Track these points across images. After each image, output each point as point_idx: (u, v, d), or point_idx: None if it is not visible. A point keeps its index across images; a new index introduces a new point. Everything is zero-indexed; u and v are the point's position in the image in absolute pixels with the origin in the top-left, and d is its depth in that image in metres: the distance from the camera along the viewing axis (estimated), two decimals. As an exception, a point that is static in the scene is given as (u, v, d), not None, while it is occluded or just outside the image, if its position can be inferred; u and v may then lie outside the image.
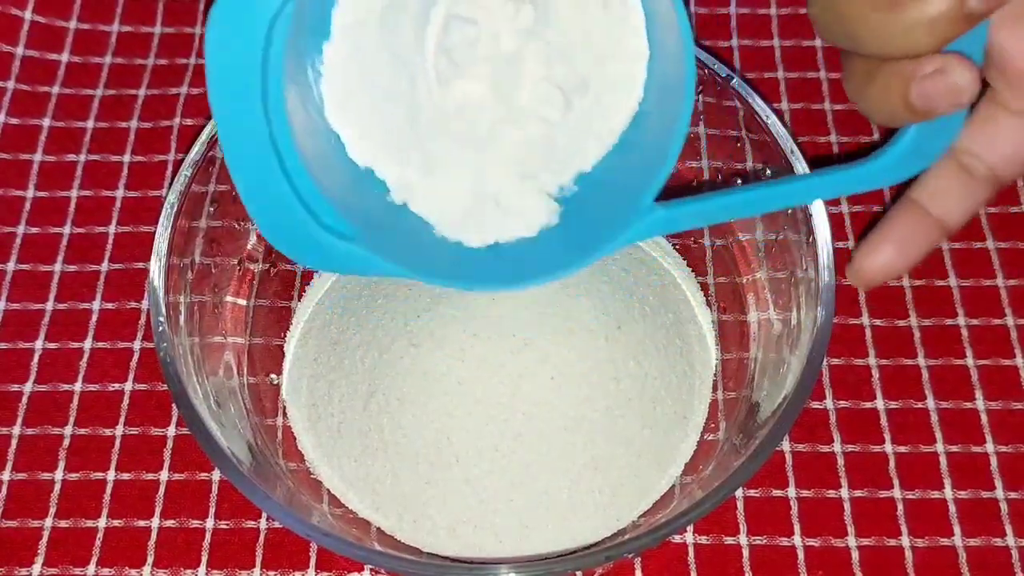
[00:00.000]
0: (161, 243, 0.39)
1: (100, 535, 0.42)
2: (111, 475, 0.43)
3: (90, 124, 0.52)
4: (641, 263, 0.45)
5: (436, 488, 0.40)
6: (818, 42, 0.54)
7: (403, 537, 0.40)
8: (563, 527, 0.39)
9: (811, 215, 0.39)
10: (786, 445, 0.43)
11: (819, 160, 0.50)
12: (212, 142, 0.41)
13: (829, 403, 0.44)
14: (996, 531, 0.41)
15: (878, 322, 0.46)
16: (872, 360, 0.45)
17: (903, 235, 0.36)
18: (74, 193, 0.50)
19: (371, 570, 0.41)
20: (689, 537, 0.41)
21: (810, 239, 0.39)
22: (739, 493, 0.42)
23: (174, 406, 0.44)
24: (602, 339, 0.40)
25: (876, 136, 0.50)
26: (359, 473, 0.41)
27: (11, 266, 0.48)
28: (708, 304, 0.45)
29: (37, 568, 0.41)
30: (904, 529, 0.41)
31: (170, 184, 0.48)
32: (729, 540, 0.41)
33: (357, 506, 0.41)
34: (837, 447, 0.43)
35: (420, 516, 0.40)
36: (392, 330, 0.41)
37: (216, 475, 0.43)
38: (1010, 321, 0.46)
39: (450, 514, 0.39)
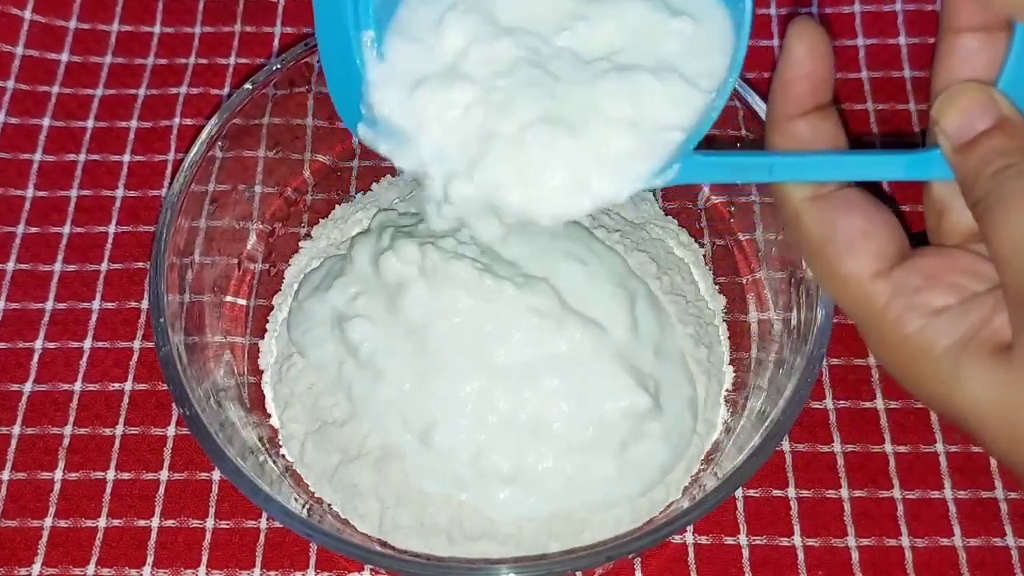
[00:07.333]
0: (161, 243, 0.39)
1: (100, 535, 0.42)
2: (111, 475, 0.43)
3: (90, 124, 0.52)
4: (668, 269, 0.44)
5: (434, 487, 0.40)
6: (818, 42, 0.54)
7: (402, 537, 0.40)
8: (564, 527, 0.39)
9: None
10: (786, 445, 0.43)
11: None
12: (212, 142, 0.41)
13: (829, 403, 0.44)
14: (996, 531, 0.41)
15: (878, 322, 0.46)
16: (872, 360, 0.45)
17: None
18: (74, 193, 0.50)
19: (371, 570, 0.41)
20: (689, 537, 0.41)
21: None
22: (739, 493, 0.42)
23: (174, 406, 0.44)
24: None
25: (874, 129, 0.50)
26: (346, 477, 0.41)
27: (11, 266, 0.48)
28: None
29: (37, 568, 0.41)
30: (904, 529, 0.41)
31: (170, 184, 0.49)
32: (729, 540, 0.41)
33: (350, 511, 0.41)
34: (837, 447, 0.43)
35: (420, 516, 0.40)
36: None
37: (216, 475, 0.43)
38: (1010, 321, 0.46)
39: (449, 513, 0.39)
